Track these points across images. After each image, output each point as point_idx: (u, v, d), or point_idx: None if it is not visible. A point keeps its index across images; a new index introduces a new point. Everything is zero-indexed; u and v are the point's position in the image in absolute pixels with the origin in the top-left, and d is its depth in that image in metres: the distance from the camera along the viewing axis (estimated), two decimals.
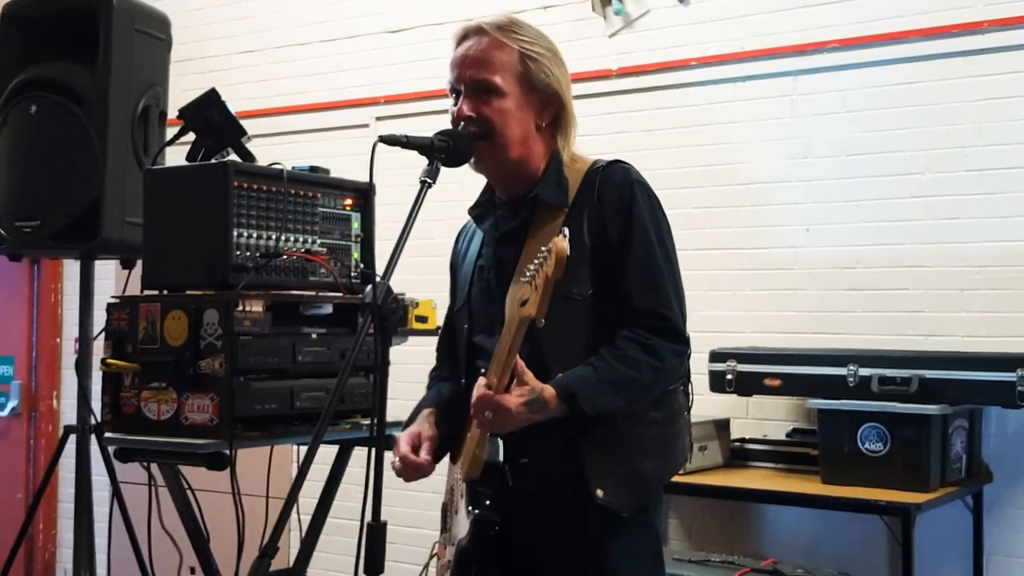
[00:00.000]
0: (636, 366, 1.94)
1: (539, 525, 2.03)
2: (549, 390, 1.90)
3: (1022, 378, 3.15)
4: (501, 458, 1.99)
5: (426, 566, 2.17)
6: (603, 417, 1.94)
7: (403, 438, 2.09)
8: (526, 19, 2.19)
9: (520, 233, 2.07)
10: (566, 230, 1.84)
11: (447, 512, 2.15)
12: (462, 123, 2.05)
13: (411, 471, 2.04)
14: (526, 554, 2.05)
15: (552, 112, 2.10)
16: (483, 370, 1.96)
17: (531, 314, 1.78)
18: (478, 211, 2.20)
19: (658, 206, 2.09)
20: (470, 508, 2.01)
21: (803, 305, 3.81)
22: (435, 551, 2.17)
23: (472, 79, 2.05)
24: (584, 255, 2.00)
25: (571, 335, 1.99)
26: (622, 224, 2.02)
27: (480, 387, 1.89)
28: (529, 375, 1.89)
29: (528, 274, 1.80)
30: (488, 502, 1.99)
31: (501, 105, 2.04)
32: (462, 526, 2.03)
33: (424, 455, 2.04)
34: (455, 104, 2.09)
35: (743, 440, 3.76)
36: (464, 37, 2.10)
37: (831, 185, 3.78)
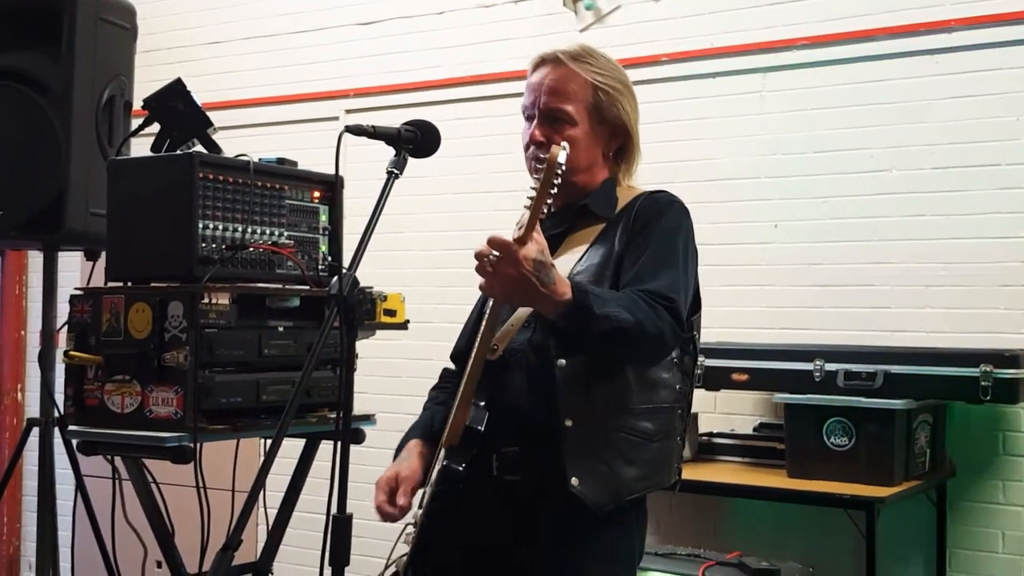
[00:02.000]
0: (639, 308, 1.91)
1: (517, 516, 2.03)
2: (562, 276, 1.87)
3: (985, 374, 3.19)
4: (483, 427, 2.00)
5: (395, 545, 2.16)
6: (606, 336, 1.87)
7: (381, 484, 2.07)
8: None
9: (560, 239, 2.11)
10: (566, 144, 1.88)
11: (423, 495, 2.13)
12: (532, 147, 2.12)
13: (388, 518, 2.05)
14: (500, 545, 2.05)
15: (619, 143, 2.18)
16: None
17: (517, 236, 1.80)
18: None
19: (691, 226, 2.13)
20: (445, 463, 2.01)
21: (770, 301, 3.83)
22: (406, 530, 2.16)
23: (546, 107, 2.12)
24: (611, 261, 2.05)
25: None
26: (647, 223, 2.07)
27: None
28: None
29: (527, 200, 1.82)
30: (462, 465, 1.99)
31: (571, 134, 2.10)
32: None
33: (402, 500, 2.04)
34: (529, 127, 2.15)
35: (710, 434, 3.77)
36: (541, 63, 2.16)
37: (799, 181, 3.80)
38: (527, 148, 2.15)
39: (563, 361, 1.97)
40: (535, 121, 2.13)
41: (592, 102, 2.12)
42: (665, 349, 2.00)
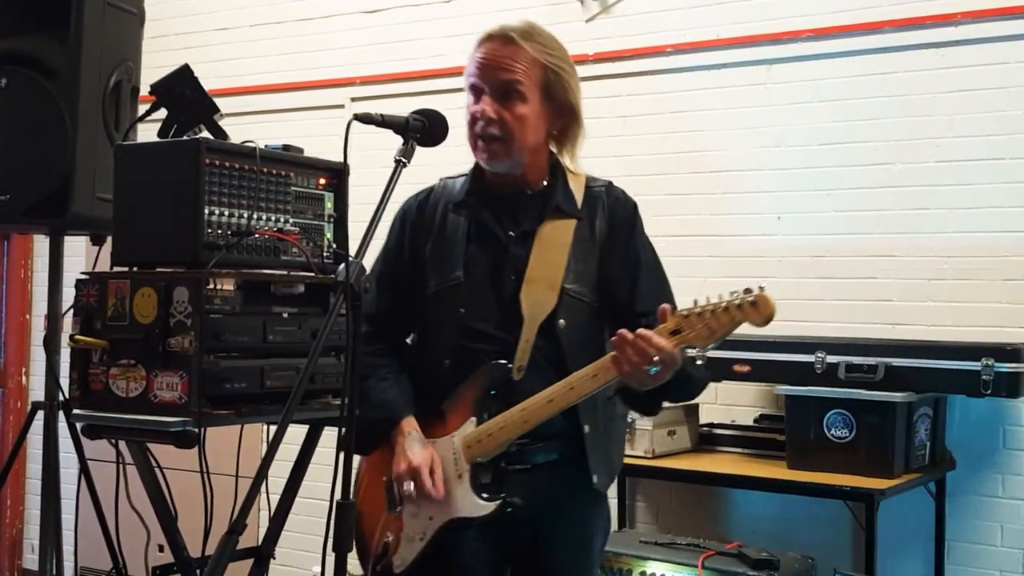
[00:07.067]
0: None
1: (539, 500, 2.13)
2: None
3: (986, 367, 3.20)
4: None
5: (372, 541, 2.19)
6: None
7: (424, 468, 2.09)
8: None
9: (531, 237, 2.17)
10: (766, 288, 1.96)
11: (397, 489, 2.14)
12: (481, 123, 2.13)
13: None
14: (527, 524, 2.14)
15: (563, 122, 2.20)
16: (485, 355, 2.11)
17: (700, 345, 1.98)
18: (472, 198, 2.25)
19: None
20: (482, 491, 2.09)
21: (773, 292, 3.79)
22: (386, 530, 2.17)
23: (498, 81, 2.12)
24: (596, 271, 2.16)
25: (583, 335, 2.15)
26: (629, 241, 2.20)
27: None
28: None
29: (709, 307, 1.96)
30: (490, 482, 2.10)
31: (522, 111, 2.12)
32: (461, 502, 2.10)
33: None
34: (475, 102, 2.14)
35: (711, 425, 3.78)
36: (489, 39, 2.15)
37: (803, 174, 3.81)
38: (473, 124, 2.16)
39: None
40: (484, 96, 2.13)
41: (543, 81, 2.13)
42: None
